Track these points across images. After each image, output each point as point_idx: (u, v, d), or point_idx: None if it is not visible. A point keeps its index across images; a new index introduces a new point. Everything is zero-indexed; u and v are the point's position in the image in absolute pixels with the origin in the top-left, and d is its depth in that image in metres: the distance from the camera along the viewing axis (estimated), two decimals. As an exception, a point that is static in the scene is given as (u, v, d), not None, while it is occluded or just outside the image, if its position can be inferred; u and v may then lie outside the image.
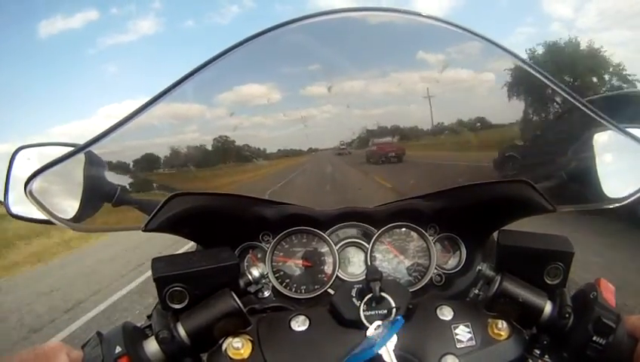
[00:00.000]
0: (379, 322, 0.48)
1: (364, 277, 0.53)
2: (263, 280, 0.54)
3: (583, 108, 0.53)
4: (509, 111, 0.72)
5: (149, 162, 0.68)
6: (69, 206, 0.57)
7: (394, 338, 0.46)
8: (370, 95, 0.70)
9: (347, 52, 0.62)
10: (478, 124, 0.74)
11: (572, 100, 0.52)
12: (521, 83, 0.64)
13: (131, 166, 0.67)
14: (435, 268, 0.73)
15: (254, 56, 0.53)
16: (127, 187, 0.64)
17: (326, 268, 0.73)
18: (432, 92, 0.68)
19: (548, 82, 0.52)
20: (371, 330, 0.47)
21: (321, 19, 0.50)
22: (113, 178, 0.62)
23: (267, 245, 0.73)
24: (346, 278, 0.72)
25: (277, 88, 0.68)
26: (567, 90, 0.52)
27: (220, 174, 0.79)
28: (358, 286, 0.53)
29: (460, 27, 0.51)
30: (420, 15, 0.52)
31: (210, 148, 0.72)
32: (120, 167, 0.64)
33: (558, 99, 0.53)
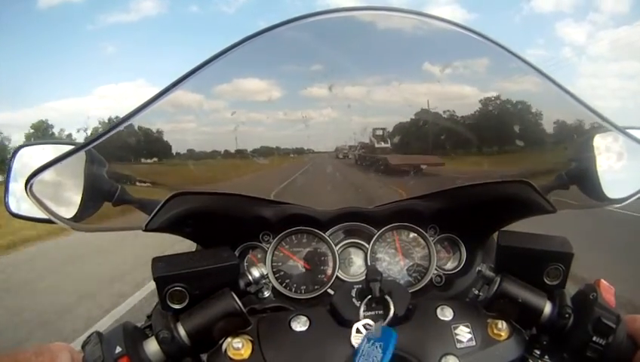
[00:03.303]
0: (367, 325, 0.48)
1: (364, 277, 0.53)
2: (263, 281, 0.54)
3: (584, 109, 0.53)
4: (516, 123, 0.72)
5: (150, 161, 0.68)
6: (70, 205, 0.57)
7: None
8: (371, 102, 0.70)
9: (351, 55, 0.61)
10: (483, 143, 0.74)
11: (574, 101, 0.53)
12: (529, 90, 0.63)
13: (132, 165, 0.67)
14: (435, 269, 0.73)
15: (256, 53, 0.52)
16: (128, 186, 0.64)
17: (326, 268, 0.73)
18: (435, 104, 0.67)
19: (554, 85, 0.52)
20: (355, 335, 0.48)
21: (326, 17, 0.50)
22: (114, 177, 0.62)
23: (267, 245, 0.73)
24: (346, 279, 0.72)
25: (278, 86, 0.67)
26: (570, 92, 0.52)
27: (219, 171, 0.79)
28: (358, 286, 0.53)
29: (473, 31, 0.50)
30: (426, 16, 0.51)
31: (210, 143, 0.72)
32: (120, 166, 0.64)
33: (560, 100, 0.53)
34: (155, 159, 0.70)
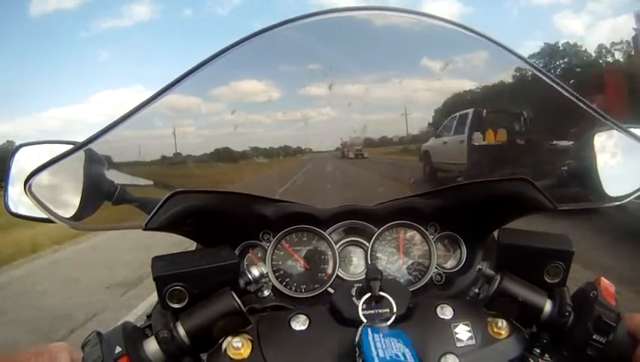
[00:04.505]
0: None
1: (364, 276, 0.53)
2: (263, 280, 0.54)
3: (584, 107, 0.53)
4: (514, 117, 0.72)
5: (149, 160, 0.68)
6: (69, 204, 0.57)
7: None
8: (370, 100, 0.69)
9: (349, 54, 0.61)
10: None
11: (574, 100, 0.52)
12: (527, 86, 0.63)
13: (132, 164, 0.66)
14: (436, 267, 0.73)
15: (254, 54, 0.52)
16: (128, 185, 0.64)
17: (326, 267, 0.73)
18: (434, 100, 0.67)
19: (553, 84, 0.52)
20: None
21: (323, 17, 0.50)
22: (113, 176, 0.62)
23: (267, 244, 0.73)
24: (346, 277, 0.72)
25: (276, 87, 0.67)
26: (570, 90, 0.52)
27: (219, 171, 0.79)
28: (358, 285, 0.53)
29: (471, 30, 0.50)
30: (428, 16, 0.51)
31: (209, 144, 0.72)
32: (120, 165, 0.64)
33: (560, 98, 0.53)
34: (155, 159, 0.70)
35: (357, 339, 0.45)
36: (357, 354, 0.44)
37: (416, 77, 0.69)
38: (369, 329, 0.45)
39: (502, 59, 0.56)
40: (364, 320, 0.47)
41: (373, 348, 0.42)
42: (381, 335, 0.44)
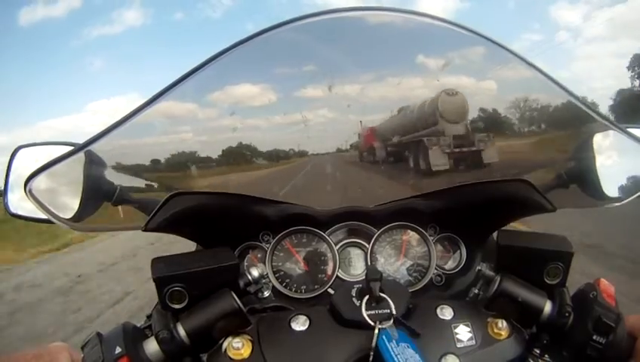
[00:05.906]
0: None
1: (364, 277, 0.53)
2: (263, 280, 0.54)
3: (583, 108, 0.53)
4: (510, 114, 0.72)
5: (148, 161, 0.68)
6: (69, 205, 0.57)
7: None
8: (367, 100, 0.69)
9: (344, 54, 0.61)
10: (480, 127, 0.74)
11: (573, 100, 0.53)
12: (524, 85, 0.63)
13: (131, 165, 0.66)
14: (435, 268, 0.73)
15: (249, 58, 0.52)
16: (127, 186, 0.63)
17: (326, 267, 0.73)
18: (430, 98, 0.67)
19: (552, 83, 0.52)
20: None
21: (317, 19, 0.50)
22: (113, 177, 0.62)
23: (267, 245, 0.73)
24: (346, 278, 0.72)
25: (272, 90, 0.67)
26: (569, 91, 0.52)
27: (218, 174, 0.79)
28: (358, 286, 0.53)
29: (464, 27, 0.51)
30: (423, 15, 0.51)
31: (207, 148, 0.72)
32: (120, 166, 0.64)
33: (559, 99, 0.53)
34: (155, 160, 0.70)
35: (374, 344, 0.45)
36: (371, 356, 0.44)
37: (412, 75, 0.69)
38: (384, 337, 0.45)
39: (499, 55, 0.56)
40: (371, 322, 0.47)
41: (394, 356, 0.43)
42: (394, 342, 0.45)
